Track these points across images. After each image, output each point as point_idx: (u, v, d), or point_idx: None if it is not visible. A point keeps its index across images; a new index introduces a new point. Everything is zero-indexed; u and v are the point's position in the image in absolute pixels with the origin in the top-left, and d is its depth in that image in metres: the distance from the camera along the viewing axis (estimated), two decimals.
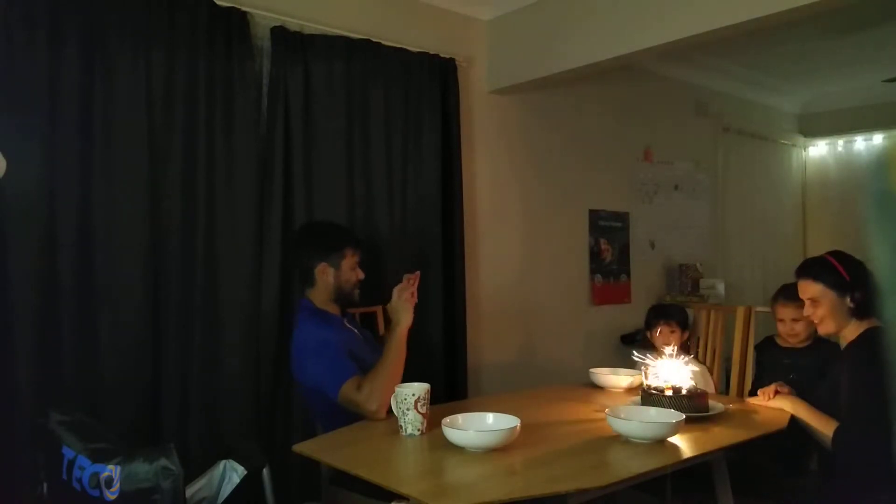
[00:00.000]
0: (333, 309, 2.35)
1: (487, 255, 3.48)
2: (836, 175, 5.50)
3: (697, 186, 4.71)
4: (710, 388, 2.73)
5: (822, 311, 2.07)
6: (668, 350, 2.71)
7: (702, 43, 2.84)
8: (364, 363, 2.16)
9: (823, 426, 2.00)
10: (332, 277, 2.31)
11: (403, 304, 2.15)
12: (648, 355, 2.83)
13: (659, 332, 2.81)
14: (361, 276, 2.36)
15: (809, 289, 2.10)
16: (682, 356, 2.78)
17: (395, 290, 2.18)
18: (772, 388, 2.24)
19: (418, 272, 2.23)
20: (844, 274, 2.03)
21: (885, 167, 0.68)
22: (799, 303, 2.40)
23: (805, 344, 2.54)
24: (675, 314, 2.89)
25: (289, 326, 2.61)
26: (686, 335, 2.86)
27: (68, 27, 2.18)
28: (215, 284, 2.48)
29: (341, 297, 2.35)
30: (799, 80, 4.99)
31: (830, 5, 2.50)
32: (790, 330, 2.52)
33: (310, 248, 2.35)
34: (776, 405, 2.16)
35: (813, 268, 2.11)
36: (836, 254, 2.09)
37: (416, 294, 2.18)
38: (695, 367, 2.72)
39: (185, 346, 2.41)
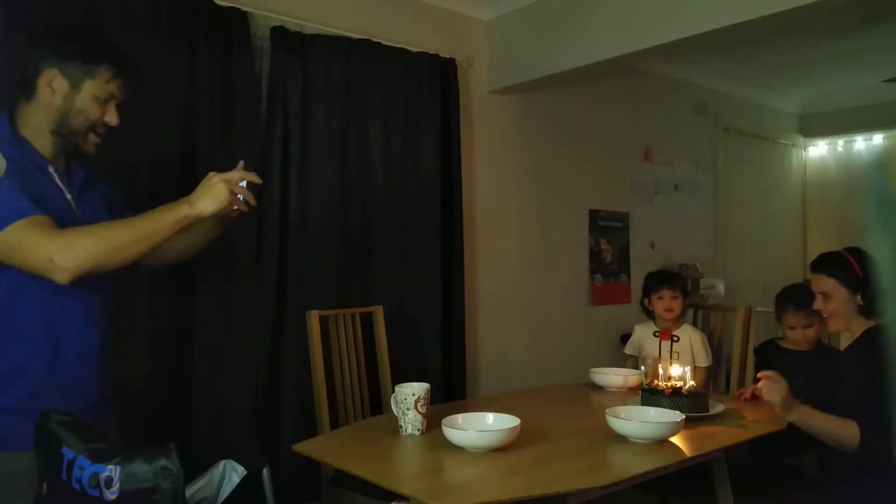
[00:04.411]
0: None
1: (487, 255, 3.48)
2: (836, 175, 5.50)
3: (697, 186, 4.71)
4: (710, 358, 2.74)
5: (833, 307, 2.06)
6: (668, 316, 2.72)
7: (702, 43, 2.84)
8: None
9: (842, 427, 1.92)
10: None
11: (220, 190, 1.58)
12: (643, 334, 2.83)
13: (661, 298, 2.78)
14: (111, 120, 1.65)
15: (822, 283, 2.08)
16: (681, 323, 2.80)
17: (221, 175, 1.60)
18: (751, 388, 2.26)
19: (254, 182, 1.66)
20: (859, 271, 2.01)
21: (885, 167, 0.68)
22: (808, 309, 2.40)
23: (809, 347, 2.53)
24: (678, 279, 2.87)
25: (285, 326, 2.62)
26: (686, 302, 2.84)
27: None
28: (214, 284, 2.48)
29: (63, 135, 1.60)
30: (799, 80, 4.99)
31: (830, 5, 2.50)
32: (802, 336, 2.51)
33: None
34: (790, 418, 1.98)
35: (828, 263, 2.10)
36: (853, 250, 2.07)
37: (246, 201, 1.63)
38: (694, 333, 2.74)
39: (184, 346, 2.41)
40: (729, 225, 4.93)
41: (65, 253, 1.43)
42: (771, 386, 1.93)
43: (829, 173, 5.56)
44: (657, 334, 2.64)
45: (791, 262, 5.42)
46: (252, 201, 1.64)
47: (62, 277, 1.44)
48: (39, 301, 1.52)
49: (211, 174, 1.61)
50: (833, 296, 2.05)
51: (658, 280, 2.84)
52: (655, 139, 4.42)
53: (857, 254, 2.06)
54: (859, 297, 2.02)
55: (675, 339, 2.35)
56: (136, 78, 1.70)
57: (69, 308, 1.57)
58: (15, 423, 1.47)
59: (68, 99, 1.58)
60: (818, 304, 2.10)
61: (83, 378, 1.61)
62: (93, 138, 1.64)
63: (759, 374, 1.99)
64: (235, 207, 1.62)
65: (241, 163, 1.68)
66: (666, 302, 2.77)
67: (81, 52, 1.59)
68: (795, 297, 2.51)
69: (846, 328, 2.10)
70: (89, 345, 1.63)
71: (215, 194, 1.58)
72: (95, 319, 1.64)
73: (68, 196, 1.61)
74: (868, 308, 2.01)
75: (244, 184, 1.62)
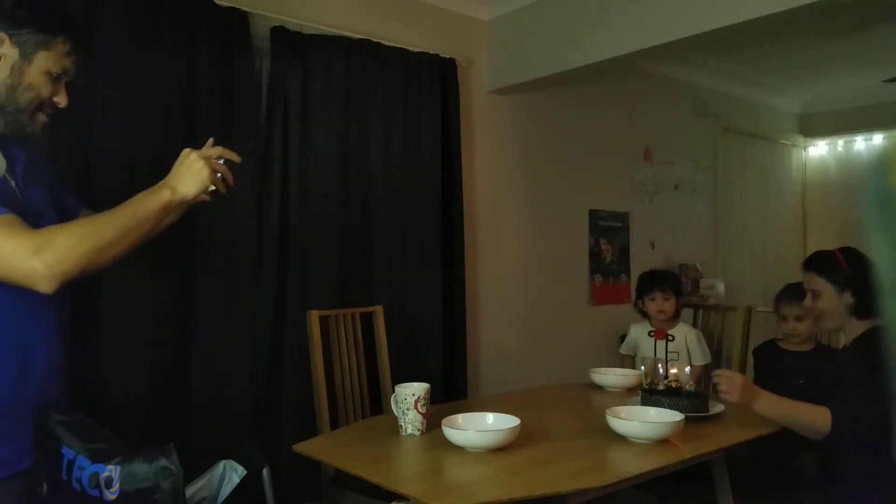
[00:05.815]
0: None
1: (487, 255, 3.48)
2: (836, 175, 5.50)
3: (697, 186, 4.71)
4: (707, 355, 2.75)
5: (822, 306, 2.07)
6: (660, 317, 2.75)
7: (702, 43, 2.84)
8: None
9: (810, 413, 1.92)
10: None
11: (200, 168, 1.44)
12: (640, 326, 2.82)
13: (653, 300, 2.80)
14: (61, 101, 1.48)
15: (811, 281, 2.10)
16: (676, 322, 2.82)
17: (199, 152, 1.47)
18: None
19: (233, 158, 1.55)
20: (847, 270, 2.01)
21: (885, 167, 0.68)
22: (802, 301, 2.41)
23: (809, 347, 2.54)
24: (670, 280, 2.88)
25: (285, 326, 2.62)
26: (680, 302, 2.85)
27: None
28: (213, 284, 2.47)
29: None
30: (799, 80, 4.99)
31: (830, 5, 2.50)
32: (792, 328, 2.53)
33: None
34: (756, 409, 1.96)
35: (818, 261, 2.11)
36: (845, 250, 2.07)
37: (227, 179, 1.53)
38: (690, 332, 2.76)
39: (184, 346, 2.41)
40: (729, 225, 4.93)
41: (48, 258, 1.24)
42: (726, 384, 1.93)
43: (829, 173, 5.57)
44: (652, 334, 2.65)
45: (791, 262, 5.42)
46: (231, 181, 1.51)
47: (47, 286, 1.25)
48: (6, 309, 1.33)
49: (187, 151, 1.46)
50: (822, 294, 2.07)
51: (648, 282, 2.86)
52: (655, 139, 4.42)
53: (849, 253, 2.06)
54: (847, 295, 2.01)
55: (671, 338, 2.36)
56: (89, 57, 1.52)
57: (38, 317, 1.38)
58: None
59: (16, 70, 1.37)
60: (808, 301, 2.12)
61: (53, 392, 1.45)
62: (41, 118, 1.44)
63: (713, 373, 1.99)
64: (213, 188, 1.46)
65: (211, 140, 1.56)
66: (658, 304, 2.78)
67: (37, 19, 1.38)
68: (793, 289, 2.53)
69: (837, 328, 2.11)
70: (60, 356, 1.47)
71: (195, 174, 1.42)
72: (64, 328, 1.49)
73: (13, 183, 1.39)
74: (859, 308, 2.01)
75: (222, 161, 1.50)
